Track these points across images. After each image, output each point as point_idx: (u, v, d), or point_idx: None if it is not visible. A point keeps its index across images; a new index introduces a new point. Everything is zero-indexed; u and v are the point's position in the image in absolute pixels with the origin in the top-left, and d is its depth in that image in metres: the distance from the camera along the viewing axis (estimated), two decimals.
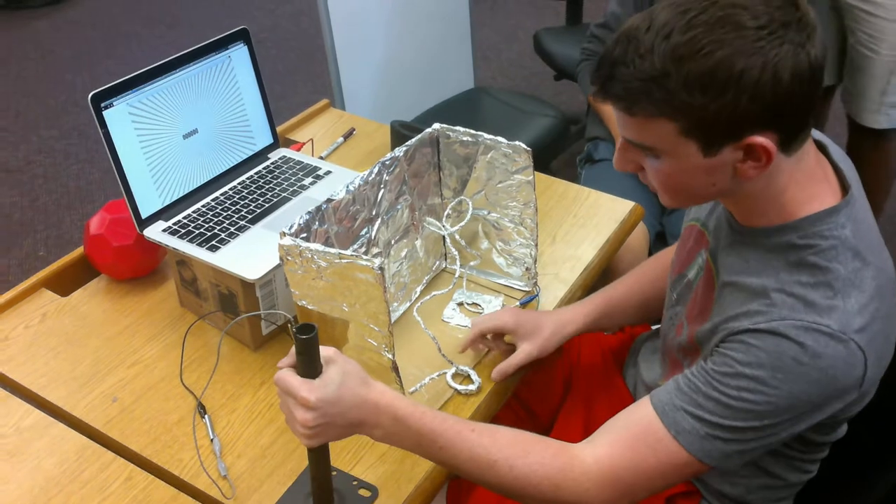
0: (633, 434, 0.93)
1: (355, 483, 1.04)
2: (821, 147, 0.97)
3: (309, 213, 1.07)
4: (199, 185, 1.31)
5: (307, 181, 1.37)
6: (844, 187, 0.95)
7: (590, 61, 2.08)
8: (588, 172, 2.04)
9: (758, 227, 0.95)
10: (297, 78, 3.73)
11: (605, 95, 0.88)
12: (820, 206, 0.91)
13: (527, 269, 1.31)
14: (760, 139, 0.84)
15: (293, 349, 0.88)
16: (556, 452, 0.93)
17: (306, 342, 0.85)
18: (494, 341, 1.21)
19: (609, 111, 1.99)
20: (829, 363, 0.85)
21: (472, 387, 1.16)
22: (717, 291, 0.99)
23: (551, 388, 1.37)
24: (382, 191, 1.19)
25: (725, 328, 0.92)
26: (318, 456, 0.94)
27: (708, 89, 0.81)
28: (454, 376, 1.18)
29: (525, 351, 1.17)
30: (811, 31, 0.83)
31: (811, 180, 0.92)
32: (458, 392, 1.16)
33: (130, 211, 1.22)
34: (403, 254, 1.28)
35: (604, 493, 0.92)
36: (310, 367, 0.87)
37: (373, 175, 1.16)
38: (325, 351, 0.90)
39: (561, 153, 2.59)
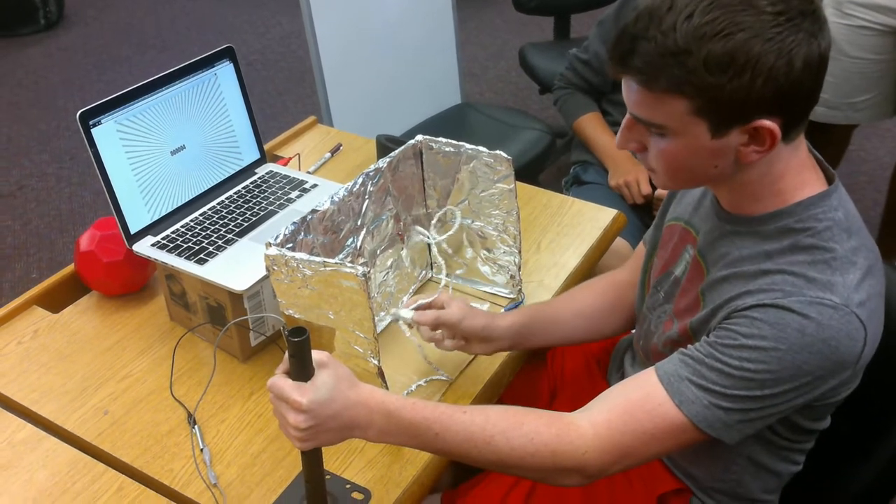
0: (632, 401, 0.95)
1: (348, 486, 1.05)
2: None
3: (294, 223, 1.09)
4: (187, 200, 1.33)
5: (294, 195, 1.39)
6: (827, 175, 0.99)
7: (568, 90, 2.08)
8: (575, 193, 2.00)
9: (751, 214, 0.98)
10: (287, 98, 3.76)
11: (625, 68, 0.91)
12: (811, 191, 0.95)
13: (511, 276, 1.33)
14: (768, 123, 0.88)
15: (286, 355, 0.89)
16: (551, 421, 0.95)
17: (298, 344, 0.86)
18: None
19: (598, 140, 1.99)
20: (832, 334, 0.88)
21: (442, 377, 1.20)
22: (706, 283, 1.01)
23: (536, 399, 1.38)
24: (367, 201, 1.21)
25: (729, 307, 0.94)
26: (312, 459, 0.95)
27: (726, 70, 0.85)
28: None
29: (449, 312, 1.14)
30: (822, 24, 0.87)
31: (804, 168, 0.96)
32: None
33: (120, 227, 1.24)
34: (389, 263, 1.30)
35: (602, 457, 0.94)
36: (302, 370, 0.89)
37: (357, 186, 1.18)
38: (318, 355, 0.91)
39: (549, 166, 2.62)
